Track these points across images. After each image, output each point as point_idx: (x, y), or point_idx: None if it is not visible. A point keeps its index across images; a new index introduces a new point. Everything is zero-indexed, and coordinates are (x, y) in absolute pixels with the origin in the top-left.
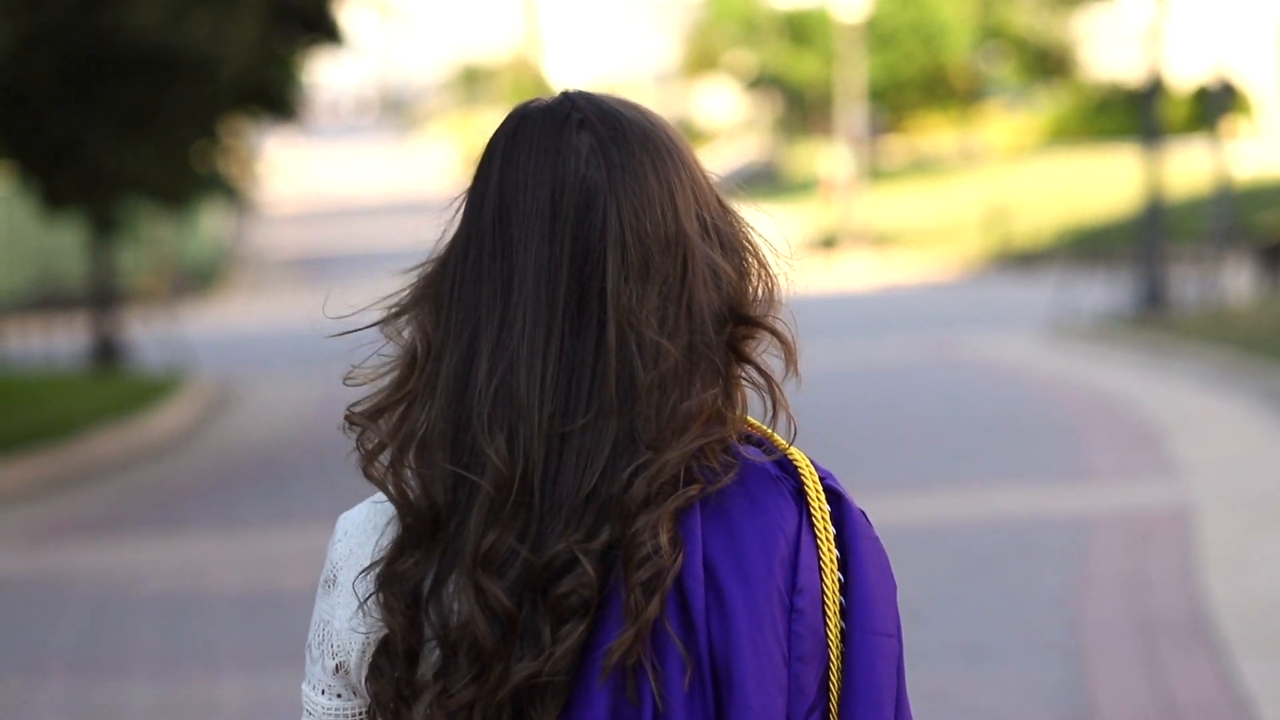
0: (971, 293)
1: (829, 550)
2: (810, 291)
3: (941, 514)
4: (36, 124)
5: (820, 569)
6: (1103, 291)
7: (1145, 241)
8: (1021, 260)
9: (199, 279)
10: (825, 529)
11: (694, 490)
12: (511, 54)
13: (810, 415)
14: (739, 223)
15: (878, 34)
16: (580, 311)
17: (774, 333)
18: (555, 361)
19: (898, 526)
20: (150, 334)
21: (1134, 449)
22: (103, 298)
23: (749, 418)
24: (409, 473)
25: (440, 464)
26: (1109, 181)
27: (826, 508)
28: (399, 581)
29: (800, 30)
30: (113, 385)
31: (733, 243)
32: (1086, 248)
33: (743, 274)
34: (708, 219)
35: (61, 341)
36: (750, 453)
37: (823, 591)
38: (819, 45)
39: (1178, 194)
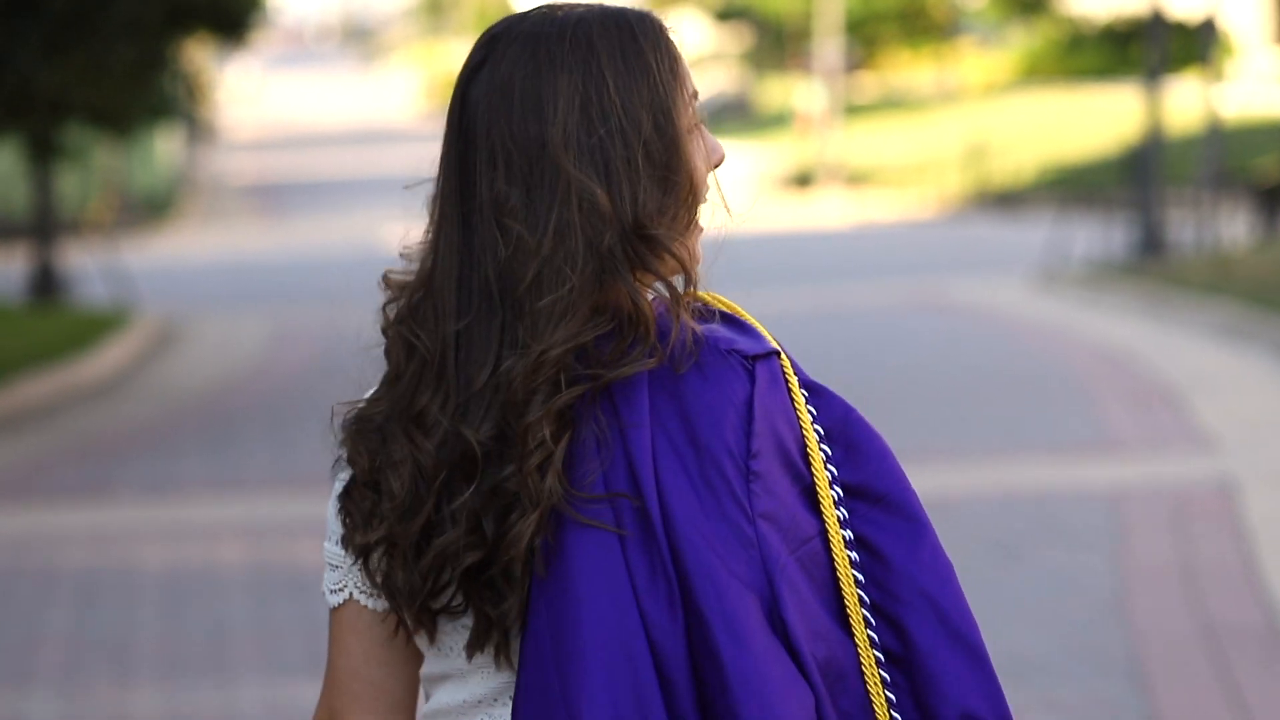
0: (952, 232)
1: (804, 410)
2: (785, 230)
3: (953, 489)
4: None
5: (779, 430)
6: (1094, 235)
7: (1140, 185)
8: (1001, 199)
9: (151, 208)
10: (799, 395)
11: (581, 388)
12: None
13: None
14: (668, 144)
15: None
16: (466, 210)
17: (671, 254)
18: (457, 258)
19: None
20: (94, 266)
21: (1154, 412)
22: (44, 227)
23: (721, 299)
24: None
25: (401, 332)
26: (1086, 120)
27: (797, 380)
28: (364, 422)
29: None
30: (50, 321)
31: (611, 162)
32: (1070, 189)
33: (618, 196)
34: (598, 131)
35: (0, 272)
36: (711, 329)
37: (804, 444)
38: None
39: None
